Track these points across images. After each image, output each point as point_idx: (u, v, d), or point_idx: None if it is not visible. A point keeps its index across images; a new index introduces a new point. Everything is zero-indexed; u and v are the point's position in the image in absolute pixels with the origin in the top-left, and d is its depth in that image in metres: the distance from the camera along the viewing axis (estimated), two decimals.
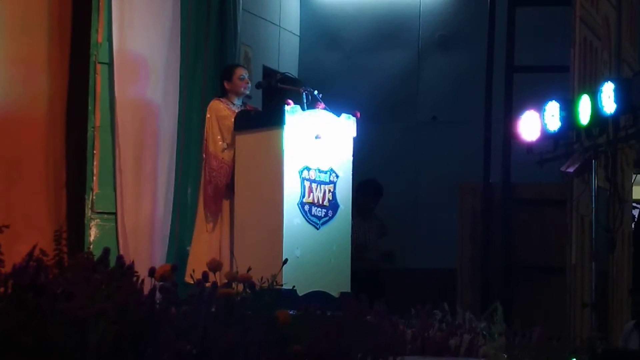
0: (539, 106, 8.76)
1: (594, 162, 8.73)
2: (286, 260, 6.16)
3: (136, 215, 7.52)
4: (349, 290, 6.89)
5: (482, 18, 10.04)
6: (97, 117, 7.48)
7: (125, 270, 3.72)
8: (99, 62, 7.50)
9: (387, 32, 11.05)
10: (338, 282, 6.93)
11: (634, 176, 10.49)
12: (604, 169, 9.38)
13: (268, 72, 9.97)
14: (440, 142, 10.74)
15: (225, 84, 7.30)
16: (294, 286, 6.46)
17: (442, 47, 10.99)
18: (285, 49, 10.91)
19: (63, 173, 7.39)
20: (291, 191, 6.77)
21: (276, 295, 4.64)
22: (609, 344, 8.67)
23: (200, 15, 8.25)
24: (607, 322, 9.54)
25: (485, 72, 9.88)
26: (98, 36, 7.50)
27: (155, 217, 7.63)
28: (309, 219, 6.84)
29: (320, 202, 6.91)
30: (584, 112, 8.35)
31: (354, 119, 7.12)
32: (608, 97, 8.14)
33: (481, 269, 9.65)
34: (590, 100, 8.31)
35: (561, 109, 8.58)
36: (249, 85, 7.40)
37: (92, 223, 7.42)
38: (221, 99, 7.28)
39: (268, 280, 4.86)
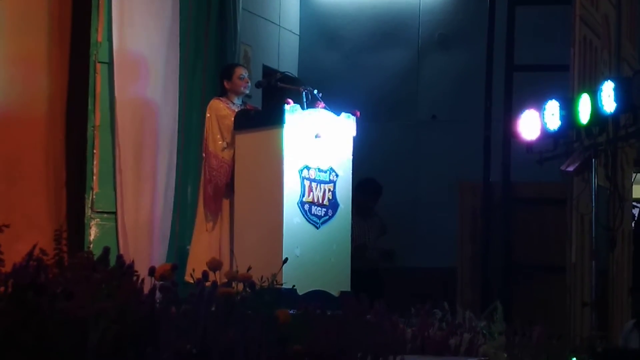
0: (539, 105, 8.76)
1: (593, 161, 8.73)
2: (286, 259, 6.16)
3: (136, 215, 7.52)
4: (349, 290, 6.88)
5: (482, 17, 10.04)
6: (97, 117, 7.48)
7: (125, 269, 3.72)
8: (99, 62, 7.50)
9: (386, 31, 11.05)
10: (338, 281, 6.93)
11: (633, 175, 10.50)
12: (604, 168, 9.39)
13: (268, 72, 9.97)
14: (440, 141, 10.74)
15: (225, 83, 7.30)
16: (294, 285, 6.47)
17: (441, 46, 10.99)
18: (285, 48, 10.92)
19: (63, 172, 7.39)
20: (291, 190, 6.77)
21: (276, 295, 4.65)
22: (609, 343, 8.69)
23: (200, 15, 8.26)
24: (607, 321, 9.56)
25: (485, 71, 9.89)
26: (98, 35, 7.49)
27: (155, 217, 7.63)
28: (308, 218, 6.84)
29: (320, 202, 6.91)
30: (583, 111, 8.36)
31: (354, 118, 7.12)
32: (608, 96, 8.15)
33: (481, 268, 9.65)
34: (590, 99, 8.31)
35: (561, 107, 8.59)
36: (249, 84, 7.40)
37: (92, 222, 7.42)
38: (221, 98, 7.27)
39: (268, 280, 4.86)
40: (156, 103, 7.75)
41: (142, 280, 3.78)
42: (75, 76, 7.45)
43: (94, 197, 7.43)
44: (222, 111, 7.15)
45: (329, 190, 6.96)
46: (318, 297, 6.60)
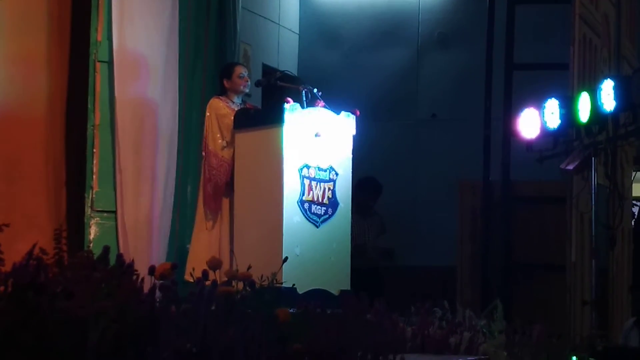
0: (539, 104, 8.76)
1: (593, 160, 8.73)
2: (286, 258, 6.16)
3: (136, 214, 7.52)
4: (349, 288, 6.89)
5: (482, 15, 10.04)
6: (97, 116, 7.47)
7: (125, 268, 3.72)
8: (99, 61, 7.50)
9: (386, 30, 11.05)
10: (338, 280, 6.93)
11: (633, 173, 10.51)
12: (603, 167, 9.39)
13: (267, 70, 9.97)
14: (439, 139, 10.74)
15: (225, 82, 7.30)
16: (293, 284, 6.47)
17: (441, 45, 10.99)
18: (284, 47, 10.92)
19: (63, 172, 7.39)
20: (291, 189, 6.77)
21: (276, 294, 4.66)
22: (609, 342, 8.69)
23: (200, 14, 8.26)
24: (607, 320, 9.56)
25: (485, 69, 9.89)
26: (98, 35, 7.49)
27: (155, 216, 7.63)
28: (308, 217, 6.84)
29: (320, 200, 6.91)
30: (583, 110, 8.36)
31: (354, 116, 7.12)
32: (607, 95, 8.15)
33: (481, 267, 9.65)
34: (590, 97, 8.31)
35: (561, 106, 8.59)
36: (249, 83, 7.40)
37: (92, 221, 7.42)
38: (221, 97, 7.28)
39: (268, 279, 4.86)
40: (156, 102, 7.75)
41: (142, 279, 3.78)
42: (75, 75, 7.45)
43: (94, 196, 7.43)
44: (221, 110, 7.15)
45: (329, 189, 6.96)
46: (318, 296, 6.60)
